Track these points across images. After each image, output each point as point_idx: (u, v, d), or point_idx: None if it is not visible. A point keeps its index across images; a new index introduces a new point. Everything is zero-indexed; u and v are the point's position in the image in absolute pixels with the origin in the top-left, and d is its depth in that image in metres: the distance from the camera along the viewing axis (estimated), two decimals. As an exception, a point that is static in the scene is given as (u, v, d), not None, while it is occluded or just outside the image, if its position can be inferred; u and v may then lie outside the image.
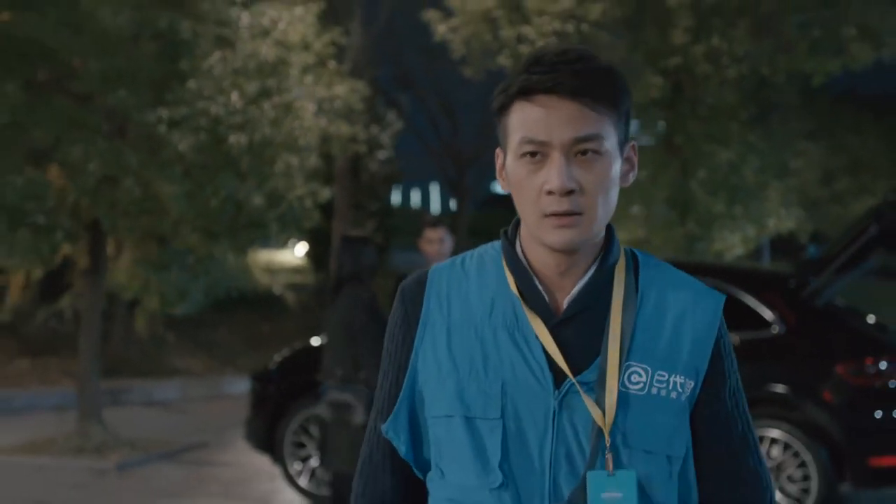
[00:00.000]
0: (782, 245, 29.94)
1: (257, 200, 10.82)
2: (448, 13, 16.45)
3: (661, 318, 1.88)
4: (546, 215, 1.81)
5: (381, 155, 26.71)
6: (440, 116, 32.43)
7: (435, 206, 48.39)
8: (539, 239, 1.85)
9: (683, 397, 1.86)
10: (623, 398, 1.81)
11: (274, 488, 9.87)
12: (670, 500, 1.85)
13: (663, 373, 1.84)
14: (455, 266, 2.00)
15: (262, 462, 10.66)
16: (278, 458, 9.41)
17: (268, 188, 10.58)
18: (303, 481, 9.19)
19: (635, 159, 1.95)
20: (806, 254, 17.81)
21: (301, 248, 27.68)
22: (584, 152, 1.79)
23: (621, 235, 16.94)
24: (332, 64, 12.86)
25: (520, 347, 1.84)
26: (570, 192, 1.78)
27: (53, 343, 19.56)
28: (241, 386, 19.11)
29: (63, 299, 17.92)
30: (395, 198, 34.65)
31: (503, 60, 15.59)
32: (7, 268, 15.75)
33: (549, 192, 1.79)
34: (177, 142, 9.58)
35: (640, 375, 1.83)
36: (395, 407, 1.93)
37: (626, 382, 1.82)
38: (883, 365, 8.05)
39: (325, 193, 12.02)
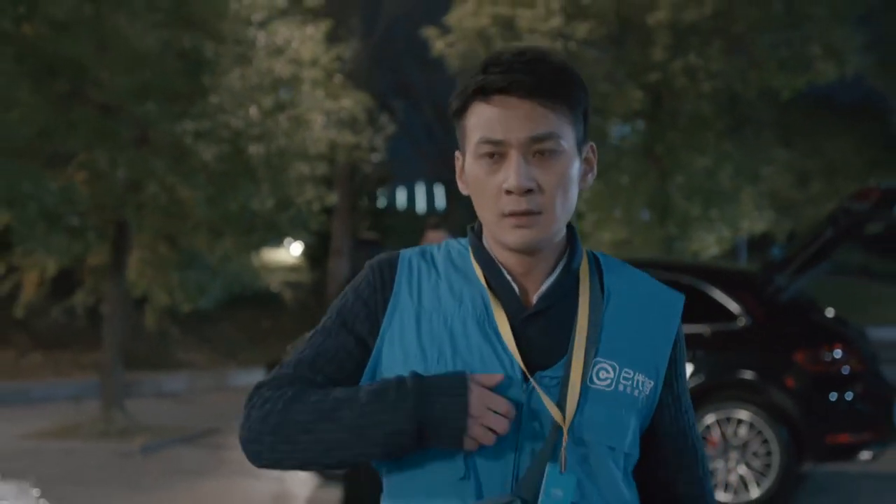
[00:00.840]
0: (758, 245, 30.74)
1: (270, 204, 11.68)
2: (445, 30, 17.16)
3: (626, 317, 1.88)
4: (505, 215, 1.78)
5: (375, 158, 27.40)
6: (434, 122, 33.16)
7: (421, 205, 48.67)
8: (498, 239, 1.83)
9: (642, 396, 1.85)
10: (590, 394, 1.80)
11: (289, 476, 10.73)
12: (633, 496, 1.87)
13: (629, 370, 1.84)
14: (425, 255, 1.95)
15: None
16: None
17: (281, 193, 11.44)
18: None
19: (594, 160, 1.93)
20: (770, 254, 18.62)
21: (297, 248, 28.13)
22: (542, 152, 1.77)
23: (605, 236, 17.82)
24: (337, 77, 13.72)
25: (490, 340, 1.81)
26: (528, 192, 1.76)
27: (64, 338, 20.09)
28: (244, 378, 19.88)
29: (76, 296, 18.44)
30: (382, 198, 35.19)
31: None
32: (23, 266, 16.45)
33: (508, 192, 1.77)
34: (202, 152, 10.42)
35: (607, 372, 1.82)
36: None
37: (595, 378, 1.81)
38: (837, 353, 8.86)
39: (332, 198, 12.90)
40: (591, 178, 1.90)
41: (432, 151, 34.34)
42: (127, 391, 16.98)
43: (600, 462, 1.79)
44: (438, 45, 16.83)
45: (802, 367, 8.85)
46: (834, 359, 8.84)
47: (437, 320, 1.83)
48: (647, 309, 1.89)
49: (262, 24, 11.58)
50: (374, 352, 1.85)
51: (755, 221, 18.98)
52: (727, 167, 16.64)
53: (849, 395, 8.83)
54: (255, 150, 10.75)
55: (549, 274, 1.86)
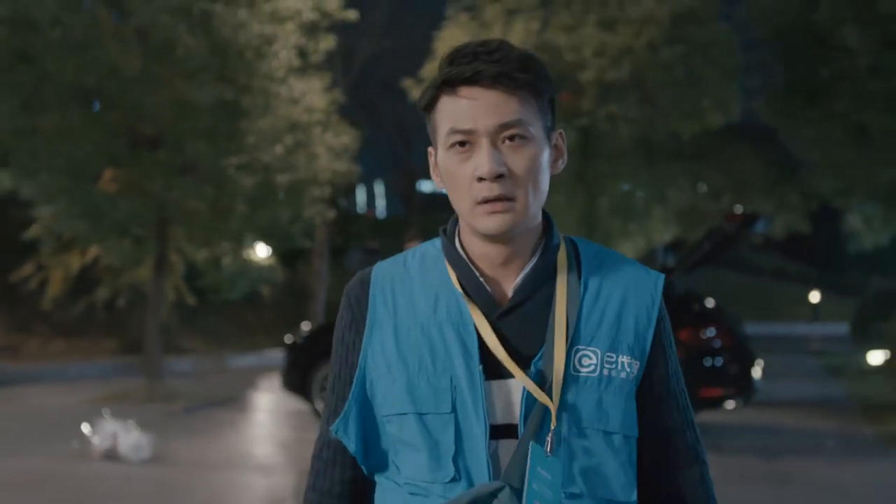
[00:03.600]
0: (674, 249, 33.49)
1: (287, 218, 14.47)
2: (420, 80, 19.67)
3: (605, 301, 1.78)
4: (478, 202, 1.70)
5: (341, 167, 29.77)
6: (396, 137, 35.65)
7: (381, 208, 50.16)
8: (474, 227, 1.74)
9: (631, 377, 1.76)
10: (575, 381, 1.71)
11: (304, 422, 12.96)
12: (630, 480, 1.76)
13: (612, 354, 1.74)
14: (398, 264, 1.87)
15: (291, 406, 14.15)
16: (308, 399, 12.86)
17: (297, 211, 14.24)
18: (326, 415, 12.67)
19: (563, 146, 1.83)
20: (662, 260, 21.66)
21: (263, 249, 29.85)
22: (511, 138, 1.70)
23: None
24: (333, 117, 16.52)
25: (464, 341, 1.73)
26: (499, 177, 1.68)
27: (83, 328, 21.84)
28: (240, 361, 22.22)
29: (99, 291, 19.75)
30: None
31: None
32: (50, 265, 18.56)
33: (480, 179, 1.69)
34: (242, 180, 13.20)
35: (590, 358, 1.73)
36: (346, 407, 1.81)
37: (577, 366, 1.72)
38: (711, 331, 11.76)
39: (330, 214, 15.75)
40: (561, 164, 1.84)
41: (393, 162, 36.93)
42: (144, 371, 19.05)
43: (595, 448, 1.72)
44: (414, 93, 19.25)
45: (685, 342, 11.69)
46: (708, 336, 11.78)
47: (414, 329, 1.77)
48: (627, 290, 1.80)
49: (283, 80, 14.34)
50: (357, 369, 1.81)
51: (663, 233, 22.13)
52: (641, 191, 19.79)
53: (718, 361, 11.69)
54: (281, 178, 13.57)
55: (527, 262, 1.78)
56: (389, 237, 33.46)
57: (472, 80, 1.69)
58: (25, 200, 14.94)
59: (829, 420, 13.40)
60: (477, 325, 1.74)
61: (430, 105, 1.77)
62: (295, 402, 14.06)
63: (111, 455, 10.08)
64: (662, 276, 1.86)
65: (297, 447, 11.30)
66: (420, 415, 1.73)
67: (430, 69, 19.08)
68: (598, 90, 18.04)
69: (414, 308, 1.80)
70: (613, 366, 1.75)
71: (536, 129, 1.73)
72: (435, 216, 34.44)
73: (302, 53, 15.01)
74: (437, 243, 1.88)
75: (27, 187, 14.02)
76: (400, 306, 1.81)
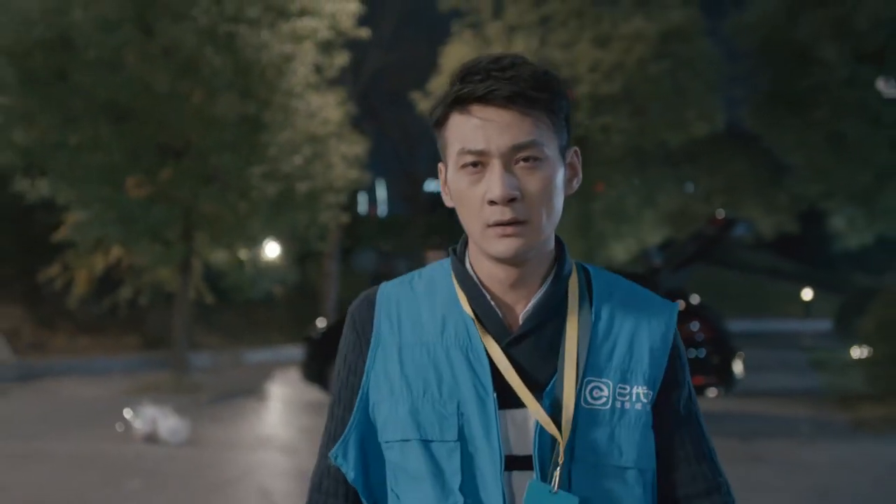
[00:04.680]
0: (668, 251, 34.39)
1: (304, 222, 15.48)
2: (428, 93, 20.48)
3: (618, 331, 1.68)
4: (489, 225, 1.60)
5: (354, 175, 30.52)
6: (400, 142, 36.49)
7: (382, 208, 50.50)
8: (484, 250, 1.64)
9: (647, 408, 1.65)
10: (585, 414, 1.61)
11: (322, 410, 13.32)
12: None
13: (624, 385, 1.64)
14: (404, 285, 1.77)
15: (309, 396, 15.01)
16: (326, 388, 13.68)
17: (314, 216, 15.25)
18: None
19: (578, 165, 1.72)
20: (651, 259, 22.65)
21: (274, 249, 30.56)
22: (525, 159, 1.59)
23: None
24: (346, 127, 17.51)
25: (473, 367, 1.62)
26: (512, 200, 1.58)
27: (106, 325, 22.58)
28: (255, 357, 23.07)
29: (122, 290, 20.07)
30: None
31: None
32: (76, 266, 19.39)
33: (492, 202, 1.58)
34: (266, 189, 14.21)
35: (601, 390, 1.63)
36: (345, 432, 1.69)
37: (588, 398, 1.62)
38: (695, 325, 12.70)
39: (344, 218, 16.74)
40: (576, 183, 1.72)
41: (398, 164, 37.86)
42: (164, 364, 19.83)
43: (607, 483, 1.61)
44: (422, 106, 20.20)
45: (671, 335, 12.65)
46: (692, 329, 12.74)
47: (419, 352, 1.67)
48: (639, 320, 1.69)
49: (301, 95, 15.30)
50: (359, 392, 1.70)
51: (653, 235, 23.24)
52: (632, 197, 20.88)
53: (701, 353, 12.57)
54: (300, 187, 14.57)
55: (539, 286, 1.67)
56: (395, 237, 34.37)
57: (484, 100, 1.59)
58: (50, 205, 15.87)
59: (805, 408, 14.24)
60: (489, 351, 1.63)
61: (440, 122, 1.66)
62: (312, 393, 15.04)
63: (152, 438, 11.04)
64: (676, 305, 1.77)
65: (317, 432, 12.01)
66: (424, 441, 1.62)
67: (437, 82, 19.95)
68: (592, 103, 19.16)
69: (420, 330, 1.69)
70: (626, 398, 1.64)
71: (551, 150, 1.62)
72: (439, 216, 35.04)
73: (318, 69, 16.00)
74: (445, 264, 1.77)
75: (63, 194, 14.97)
76: (405, 328, 1.70)
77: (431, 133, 1.72)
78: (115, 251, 18.10)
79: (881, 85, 14.35)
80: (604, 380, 1.65)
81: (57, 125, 13.92)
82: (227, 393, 16.02)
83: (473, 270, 1.71)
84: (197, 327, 24.03)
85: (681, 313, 12.82)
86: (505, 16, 20.53)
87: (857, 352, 15.60)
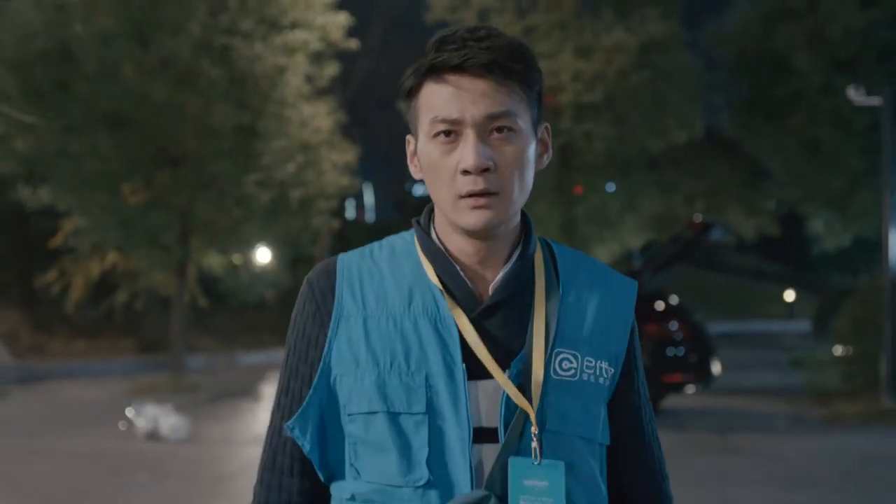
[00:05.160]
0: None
1: (296, 228, 15.90)
2: None
3: (584, 305, 1.65)
4: (462, 196, 1.55)
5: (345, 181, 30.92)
6: (388, 147, 36.86)
7: (370, 214, 50.71)
8: (455, 222, 1.58)
9: (606, 383, 1.63)
10: (555, 385, 1.58)
11: None
12: (604, 489, 1.64)
13: (591, 359, 1.61)
14: (364, 256, 1.68)
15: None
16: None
17: (307, 221, 15.68)
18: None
19: (549, 141, 1.68)
20: (633, 261, 23.20)
21: (265, 253, 30.75)
22: (499, 129, 1.54)
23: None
24: (336, 135, 17.92)
25: (443, 337, 1.57)
26: (486, 171, 1.53)
27: (102, 329, 22.96)
28: (248, 359, 23.38)
29: (118, 295, 20.31)
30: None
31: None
32: (72, 271, 19.69)
33: (465, 172, 1.54)
34: (260, 196, 14.64)
35: (570, 362, 1.60)
36: (304, 403, 1.61)
37: (558, 369, 1.59)
38: (673, 325, 13.13)
39: (335, 223, 17.17)
40: (546, 158, 1.68)
41: (386, 168, 38.23)
42: (161, 366, 20.05)
43: (577, 454, 1.59)
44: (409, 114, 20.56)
45: (651, 334, 12.97)
46: (671, 329, 13.16)
47: (385, 323, 1.59)
48: (603, 296, 1.66)
49: (293, 105, 15.71)
50: (321, 363, 1.61)
51: (635, 239, 23.82)
52: (614, 201, 21.41)
53: (680, 351, 12.99)
54: (294, 193, 15.00)
55: (505, 262, 1.63)
56: (384, 242, 34.53)
57: (460, 68, 1.54)
58: (47, 212, 16.21)
59: (782, 404, 14.67)
60: (458, 322, 1.58)
61: (413, 91, 1.60)
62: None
63: (153, 435, 11.41)
64: (636, 282, 1.75)
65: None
66: (391, 413, 1.55)
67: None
68: (574, 111, 19.65)
69: (385, 301, 1.61)
70: (593, 371, 1.61)
71: (525, 122, 1.57)
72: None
73: (309, 80, 16.42)
74: (406, 236, 1.71)
75: (63, 201, 15.33)
76: (369, 299, 1.62)
77: (403, 102, 1.67)
78: (111, 256, 18.37)
79: (851, 93, 14.81)
80: (572, 351, 1.61)
81: (57, 134, 14.28)
82: (223, 393, 16.37)
83: (441, 242, 1.65)
84: (192, 331, 23.90)
85: (660, 313, 13.28)
86: (490, 27, 20.92)
87: (840, 350, 16.02)
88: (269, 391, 17.17)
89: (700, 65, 21.12)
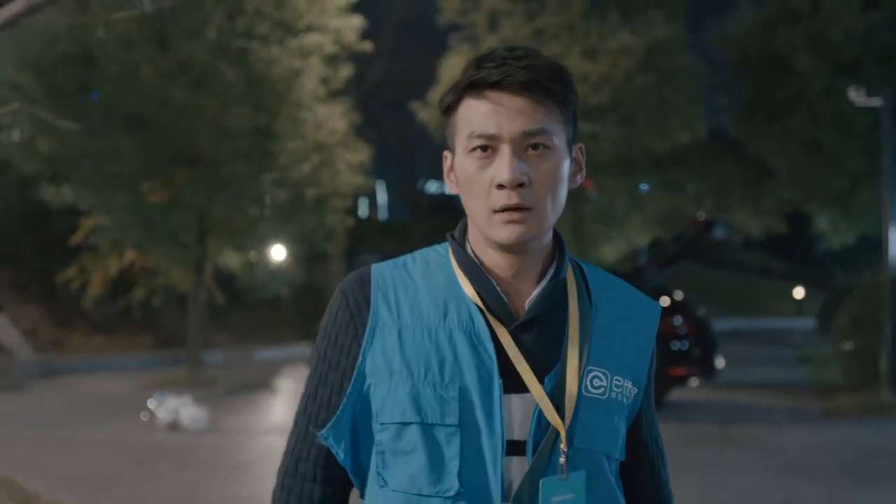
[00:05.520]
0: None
1: (311, 226, 16.21)
2: (427, 103, 21.09)
3: (613, 325, 1.68)
4: (496, 210, 1.57)
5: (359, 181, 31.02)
6: (400, 148, 37.24)
7: (382, 212, 50.89)
8: (489, 236, 1.61)
9: (629, 402, 1.68)
10: (586, 402, 1.61)
11: None
12: (622, 500, 1.69)
13: (619, 378, 1.65)
14: (398, 267, 1.70)
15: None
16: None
17: (322, 220, 16.00)
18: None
19: (583, 161, 1.71)
20: (639, 258, 23.46)
21: (280, 251, 30.98)
22: (534, 146, 1.57)
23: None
24: (350, 135, 18.19)
25: (478, 351, 1.58)
26: (520, 186, 1.55)
27: (120, 325, 23.08)
28: (264, 354, 23.53)
29: (136, 292, 20.73)
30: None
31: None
32: (91, 268, 19.99)
33: (500, 186, 1.56)
34: (277, 195, 14.97)
35: (600, 380, 1.63)
36: (338, 412, 1.63)
37: (589, 386, 1.62)
38: (678, 320, 13.34)
39: (349, 221, 17.47)
40: (580, 178, 1.70)
41: (398, 167, 38.60)
42: (179, 361, 20.18)
43: (599, 471, 1.63)
44: (422, 116, 20.91)
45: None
46: (675, 323, 13.38)
47: (420, 334, 1.61)
48: (630, 317, 1.71)
49: (309, 107, 16.01)
50: (354, 372, 1.63)
51: (641, 237, 24.11)
52: (621, 200, 21.69)
53: (684, 345, 13.17)
54: (309, 192, 15.32)
55: (539, 279, 1.65)
56: (396, 240, 34.93)
57: (498, 85, 1.57)
58: (67, 210, 16.52)
59: (783, 398, 14.86)
60: (499, 336, 1.60)
61: (452, 108, 1.64)
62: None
63: (174, 426, 11.70)
64: (660, 306, 1.78)
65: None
66: (424, 425, 1.57)
67: (436, 93, 20.39)
68: (581, 112, 19.80)
69: (420, 313, 1.63)
70: (620, 390, 1.65)
71: (560, 141, 1.60)
72: (439, 220, 35.47)
73: (324, 81, 16.73)
74: (439, 249, 1.73)
75: (85, 200, 15.67)
76: (404, 310, 1.63)
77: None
78: (130, 254, 18.65)
79: (852, 94, 15.02)
80: (602, 370, 1.64)
81: (82, 135, 14.59)
82: (239, 387, 16.58)
83: (476, 256, 1.67)
84: (209, 327, 23.85)
85: (665, 308, 13.33)
86: (500, 29, 21.30)
87: (847, 346, 16.19)
88: (284, 385, 17.45)
89: (702, 66, 21.39)
